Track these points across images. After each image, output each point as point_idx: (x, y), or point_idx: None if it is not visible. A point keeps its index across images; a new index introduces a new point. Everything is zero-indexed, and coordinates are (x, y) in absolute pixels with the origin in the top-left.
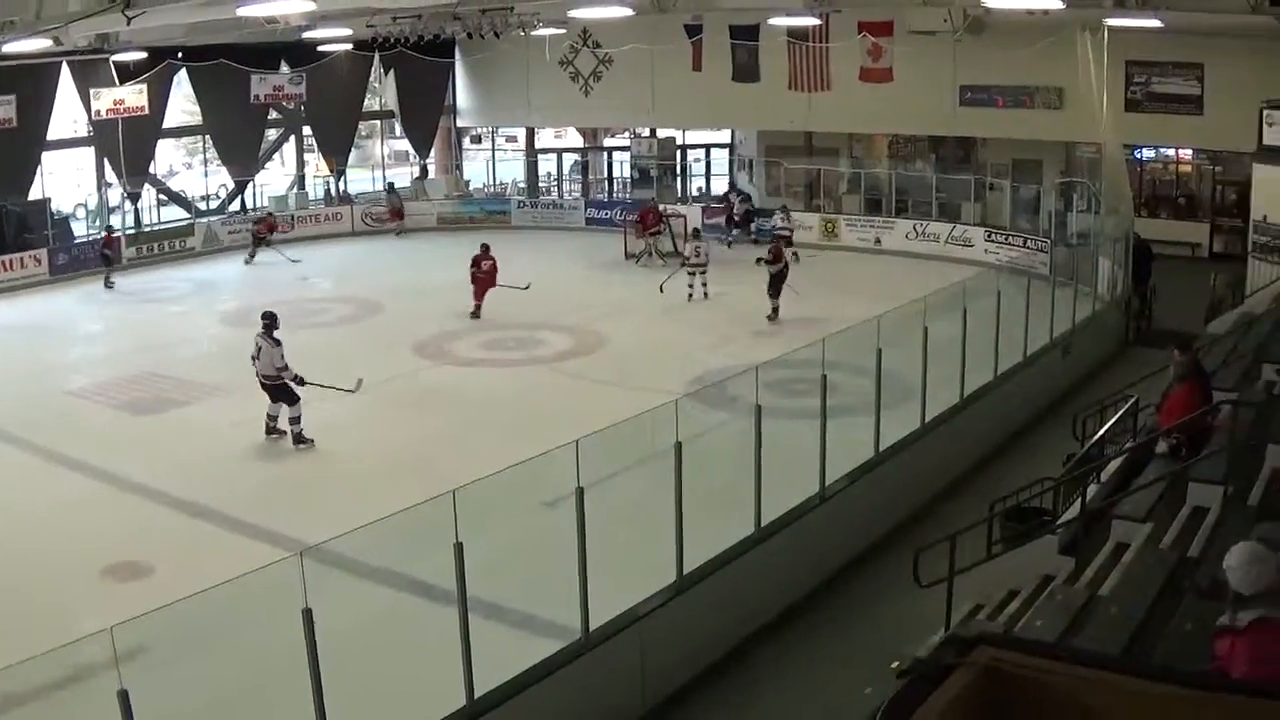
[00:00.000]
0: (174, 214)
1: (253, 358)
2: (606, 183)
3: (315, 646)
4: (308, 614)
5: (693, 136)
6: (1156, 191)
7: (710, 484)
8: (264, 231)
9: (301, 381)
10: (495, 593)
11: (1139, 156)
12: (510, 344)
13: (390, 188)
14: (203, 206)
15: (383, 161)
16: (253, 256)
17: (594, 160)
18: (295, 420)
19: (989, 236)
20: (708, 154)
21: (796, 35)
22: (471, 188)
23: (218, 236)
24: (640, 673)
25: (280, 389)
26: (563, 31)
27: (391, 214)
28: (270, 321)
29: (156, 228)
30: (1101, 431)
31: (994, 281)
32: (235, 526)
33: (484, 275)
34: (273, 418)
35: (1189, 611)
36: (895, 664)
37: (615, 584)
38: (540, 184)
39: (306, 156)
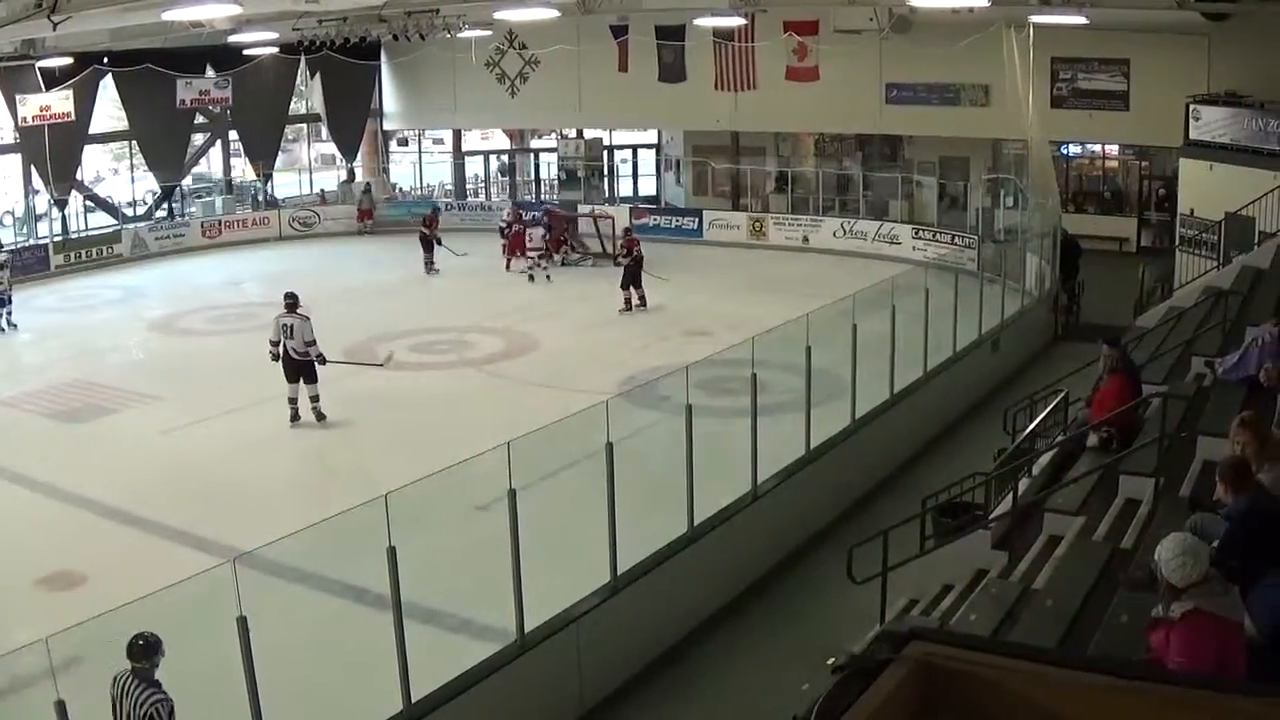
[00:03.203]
0: (101, 220)
1: (272, 343)
2: (533, 184)
3: (250, 653)
4: (242, 622)
5: (620, 137)
6: (1084, 187)
7: (643, 484)
8: (431, 227)
9: (323, 360)
10: (431, 597)
11: (1065, 153)
12: (441, 347)
13: (366, 188)
14: (130, 213)
15: (309, 165)
16: (430, 264)
17: (521, 162)
18: (315, 398)
19: (916, 234)
20: (635, 154)
21: (722, 35)
22: (375, 192)
23: (145, 243)
24: (577, 673)
25: (307, 367)
26: (489, 33)
27: (361, 215)
28: (293, 300)
29: (84, 234)
30: (1032, 426)
31: (922, 278)
32: (169, 534)
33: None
34: (294, 401)
35: (1123, 603)
36: (831, 660)
37: (550, 585)
38: (467, 186)
39: (233, 161)
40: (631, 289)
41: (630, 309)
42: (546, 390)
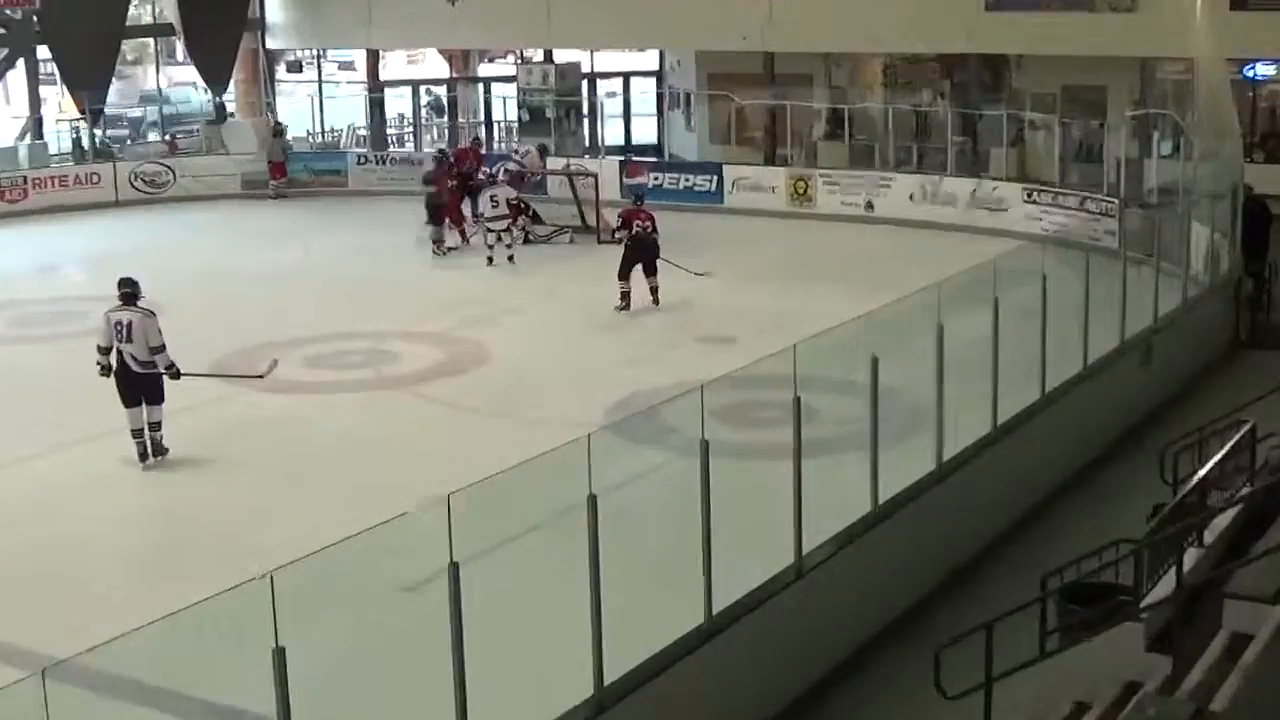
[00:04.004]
0: None
1: (102, 349)
2: (483, 128)
3: None
4: None
5: (606, 61)
6: (1277, 127)
7: (640, 554)
8: (439, 184)
9: (176, 372)
10: (332, 715)
11: (1252, 76)
12: (351, 359)
13: (278, 130)
14: None
15: (159, 97)
16: (439, 243)
17: (465, 96)
18: (157, 426)
19: (1030, 196)
20: (627, 86)
21: None
22: (290, 137)
23: None
24: None
25: (151, 382)
26: None
27: (274, 169)
28: (132, 290)
29: None
30: (1203, 472)
31: (1038, 259)
32: None
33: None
34: (140, 433)
35: None
36: None
37: (505, 702)
38: (389, 131)
39: (44, 91)
40: (644, 278)
41: (627, 305)
42: (501, 421)
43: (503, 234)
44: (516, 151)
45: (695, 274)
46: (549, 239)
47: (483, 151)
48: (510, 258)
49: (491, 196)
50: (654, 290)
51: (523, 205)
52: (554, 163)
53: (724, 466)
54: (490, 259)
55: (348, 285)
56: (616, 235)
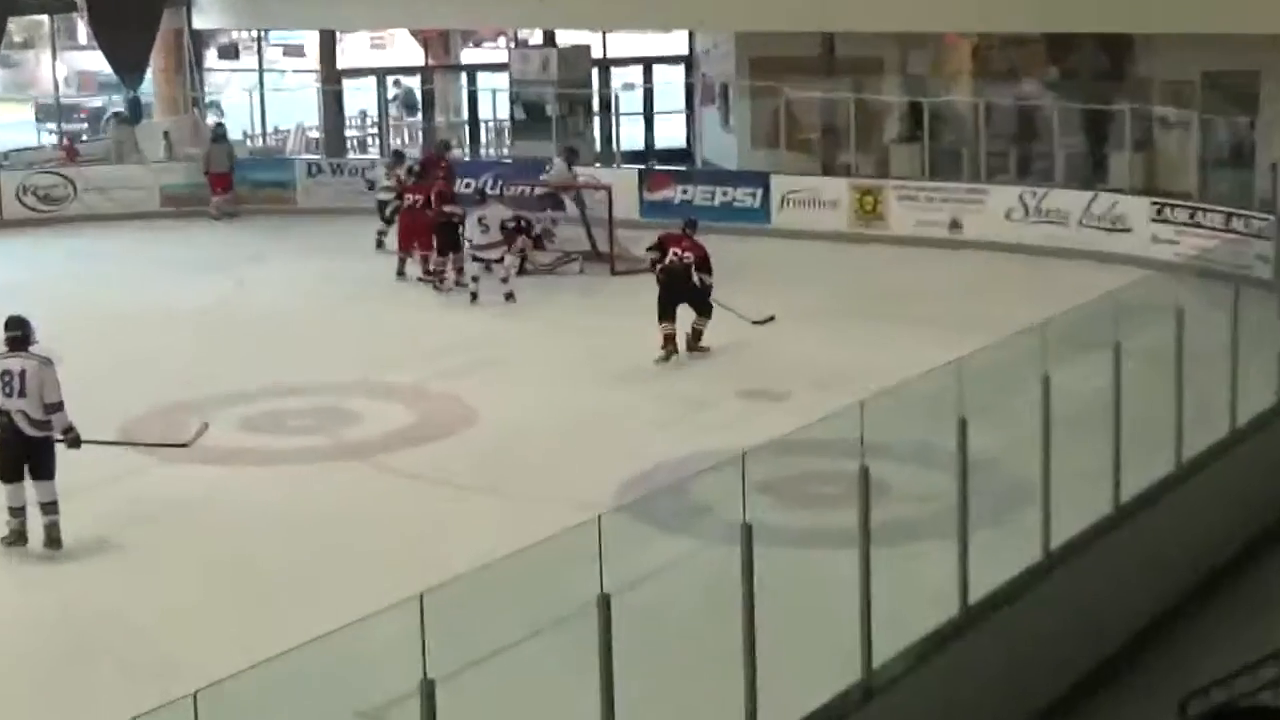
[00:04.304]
0: None
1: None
2: (467, 129)
3: None
4: None
5: (621, 45)
6: None
7: (664, 670)
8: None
9: (76, 439)
10: None
11: None
12: (300, 421)
13: (219, 133)
14: None
15: (55, 90)
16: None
17: (446, 89)
18: (50, 508)
19: (1160, 213)
20: (648, 75)
21: None
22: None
23: None
24: None
25: (42, 449)
26: None
27: (215, 182)
28: (22, 331)
29: None
30: None
31: (1171, 292)
32: None
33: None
34: (18, 512)
35: None
36: None
37: None
38: (349, 133)
39: None
40: (693, 318)
41: (670, 354)
42: (489, 499)
43: (494, 264)
44: (503, 164)
45: (755, 322)
46: (552, 269)
47: (452, 154)
48: (507, 295)
49: (480, 219)
50: (696, 335)
51: (523, 224)
52: (552, 169)
53: (772, 557)
54: (474, 295)
55: (295, 327)
56: (647, 256)
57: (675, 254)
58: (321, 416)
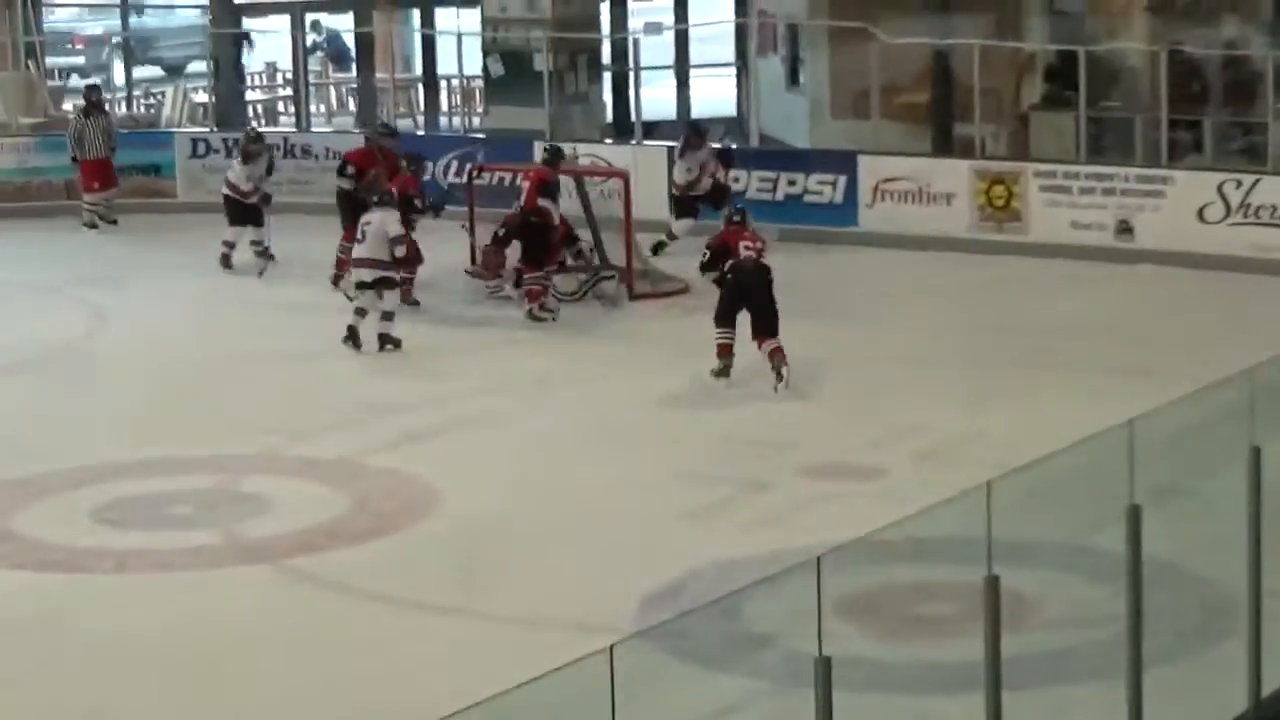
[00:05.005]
0: None
1: None
2: (420, 89)
3: None
4: None
5: None
6: None
7: None
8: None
9: None
10: None
11: None
12: (179, 509)
13: (92, 100)
14: None
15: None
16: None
17: (388, 35)
18: None
19: None
20: (682, 13)
21: None
22: (70, 105)
23: None
24: None
25: None
26: None
27: (91, 173)
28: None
29: None
30: None
31: None
32: None
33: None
34: None
35: None
36: None
37: None
38: (251, 96)
39: None
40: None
41: (726, 368)
42: (451, 622)
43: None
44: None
45: None
46: (580, 294)
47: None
48: (383, 338)
49: (362, 225)
50: (775, 358)
51: (499, 234)
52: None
53: (859, 705)
54: (352, 331)
55: (173, 375)
56: (705, 276)
57: (746, 247)
58: (209, 503)
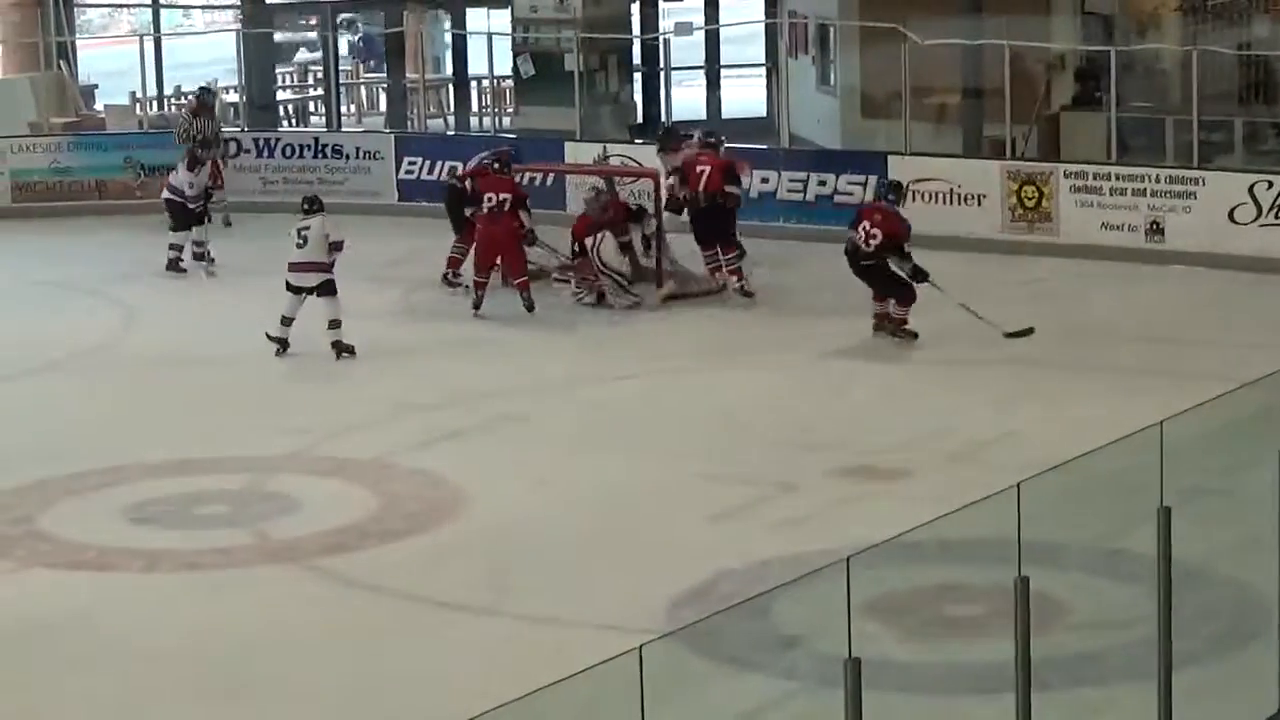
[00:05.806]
0: None
1: None
2: (450, 89)
3: None
4: None
5: None
6: None
7: None
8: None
9: None
10: None
11: None
12: (210, 509)
13: (206, 98)
14: None
15: None
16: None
17: (418, 33)
18: None
19: None
20: (713, 14)
21: None
22: (102, 105)
23: None
24: None
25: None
26: None
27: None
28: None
29: None
30: None
31: None
32: None
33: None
34: None
35: None
36: None
37: None
38: (282, 96)
39: None
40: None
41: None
42: (484, 622)
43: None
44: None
45: (1010, 334)
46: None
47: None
48: (336, 346)
49: (299, 230)
50: (896, 323)
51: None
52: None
53: (889, 706)
54: (281, 343)
55: (205, 374)
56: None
57: (865, 230)
58: (241, 503)
